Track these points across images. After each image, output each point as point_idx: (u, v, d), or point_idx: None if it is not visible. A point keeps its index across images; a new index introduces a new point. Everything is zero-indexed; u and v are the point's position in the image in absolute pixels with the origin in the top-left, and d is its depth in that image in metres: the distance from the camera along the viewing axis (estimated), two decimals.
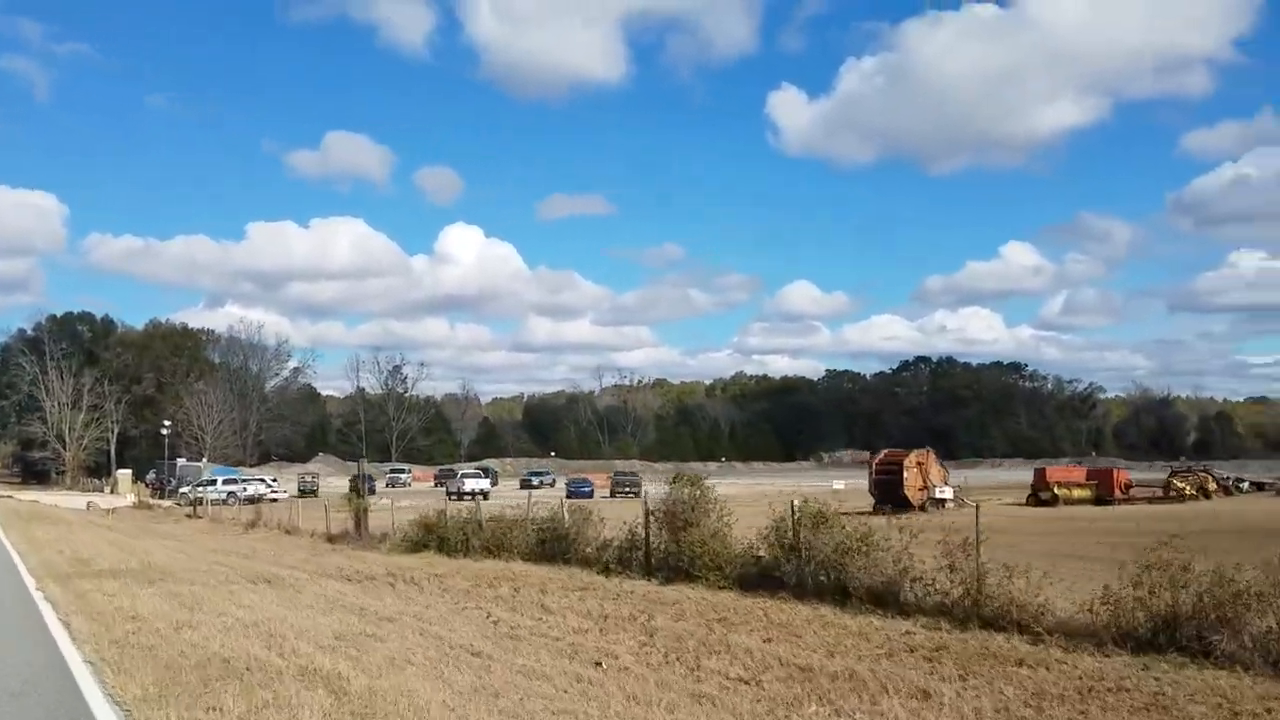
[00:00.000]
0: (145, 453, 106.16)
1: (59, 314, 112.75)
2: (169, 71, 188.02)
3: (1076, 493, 46.01)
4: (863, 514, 30.26)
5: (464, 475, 61.01)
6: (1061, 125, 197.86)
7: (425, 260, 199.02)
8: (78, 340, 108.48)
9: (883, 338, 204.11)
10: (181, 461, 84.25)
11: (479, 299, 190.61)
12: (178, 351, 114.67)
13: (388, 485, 77.37)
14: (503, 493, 64.71)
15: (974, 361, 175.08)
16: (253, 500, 57.13)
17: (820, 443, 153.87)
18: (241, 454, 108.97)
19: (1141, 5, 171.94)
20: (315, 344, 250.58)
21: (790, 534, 13.27)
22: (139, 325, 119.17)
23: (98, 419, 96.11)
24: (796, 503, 13.75)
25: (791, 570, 13.16)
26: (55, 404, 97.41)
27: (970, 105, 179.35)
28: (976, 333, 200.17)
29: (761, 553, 13.93)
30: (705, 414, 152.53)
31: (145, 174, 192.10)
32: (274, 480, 66.05)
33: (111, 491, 68.43)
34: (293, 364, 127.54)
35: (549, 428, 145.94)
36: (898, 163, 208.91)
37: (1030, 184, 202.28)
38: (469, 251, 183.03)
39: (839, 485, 52.48)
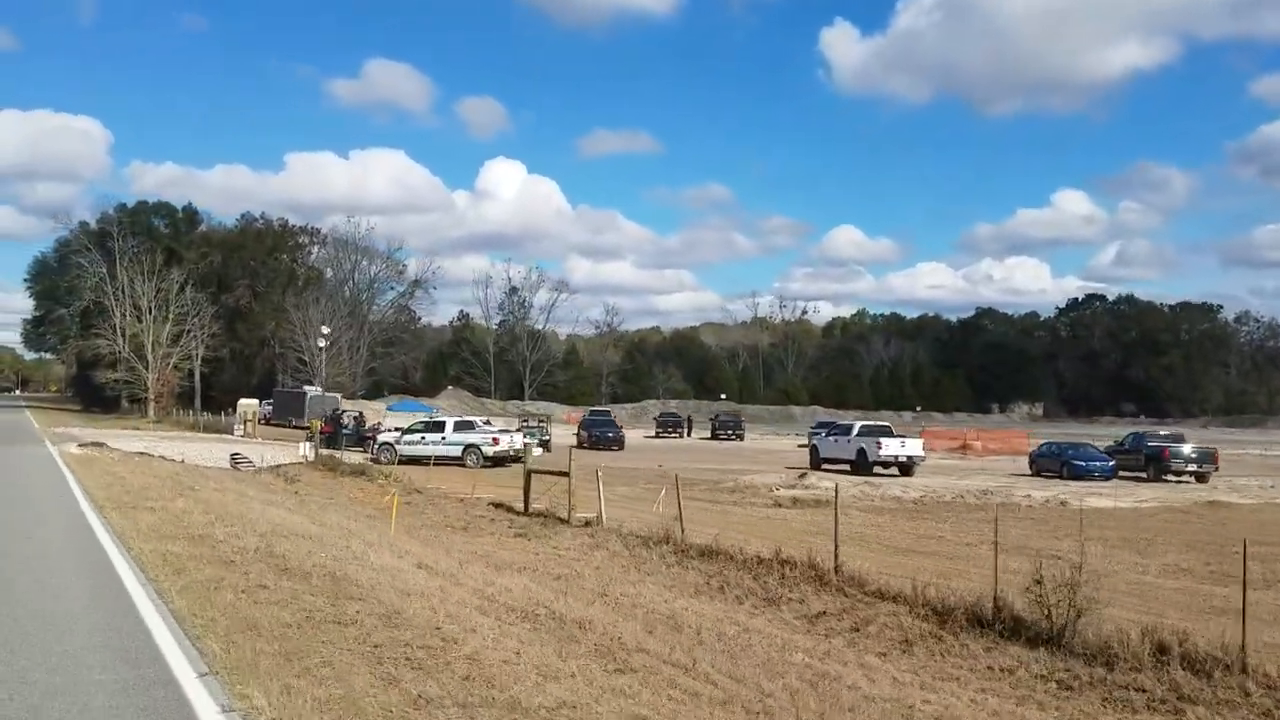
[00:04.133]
0: (235, 378, 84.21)
1: (129, 204, 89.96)
2: None
3: None
4: None
5: (866, 429, 34.67)
6: (1124, 67, 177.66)
7: (466, 196, 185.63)
8: (154, 235, 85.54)
9: (927, 286, 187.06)
10: (311, 391, 61.73)
11: (520, 237, 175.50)
12: (274, 254, 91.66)
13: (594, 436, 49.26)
14: (747, 449, 32.89)
15: (1158, 301, 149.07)
16: (498, 461, 34.38)
17: (1015, 393, 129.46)
18: (352, 385, 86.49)
19: None
20: None
21: None
22: (228, 222, 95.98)
23: (188, 332, 73.29)
24: None
25: None
26: (128, 312, 74.68)
27: (1031, 44, 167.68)
28: (1022, 283, 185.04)
29: None
30: (872, 352, 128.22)
31: (184, 100, 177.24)
32: (487, 423, 42.31)
33: (244, 434, 45.25)
34: (409, 278, 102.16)
35: (688, 365, 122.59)
36: (951, 104, 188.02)
37: (1087, 130, 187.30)
38: (511, 188, 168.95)
39: None
